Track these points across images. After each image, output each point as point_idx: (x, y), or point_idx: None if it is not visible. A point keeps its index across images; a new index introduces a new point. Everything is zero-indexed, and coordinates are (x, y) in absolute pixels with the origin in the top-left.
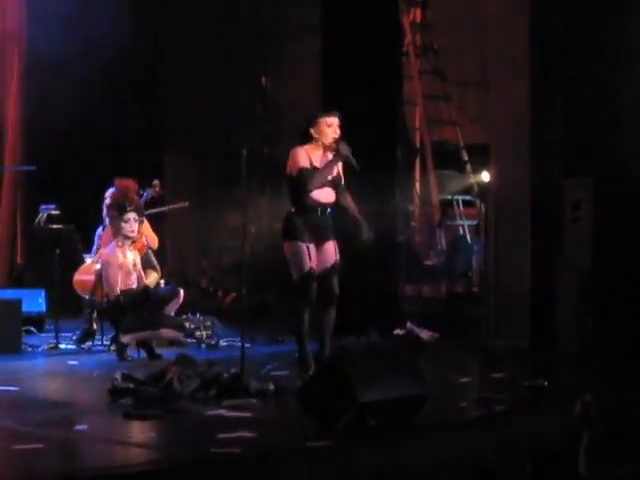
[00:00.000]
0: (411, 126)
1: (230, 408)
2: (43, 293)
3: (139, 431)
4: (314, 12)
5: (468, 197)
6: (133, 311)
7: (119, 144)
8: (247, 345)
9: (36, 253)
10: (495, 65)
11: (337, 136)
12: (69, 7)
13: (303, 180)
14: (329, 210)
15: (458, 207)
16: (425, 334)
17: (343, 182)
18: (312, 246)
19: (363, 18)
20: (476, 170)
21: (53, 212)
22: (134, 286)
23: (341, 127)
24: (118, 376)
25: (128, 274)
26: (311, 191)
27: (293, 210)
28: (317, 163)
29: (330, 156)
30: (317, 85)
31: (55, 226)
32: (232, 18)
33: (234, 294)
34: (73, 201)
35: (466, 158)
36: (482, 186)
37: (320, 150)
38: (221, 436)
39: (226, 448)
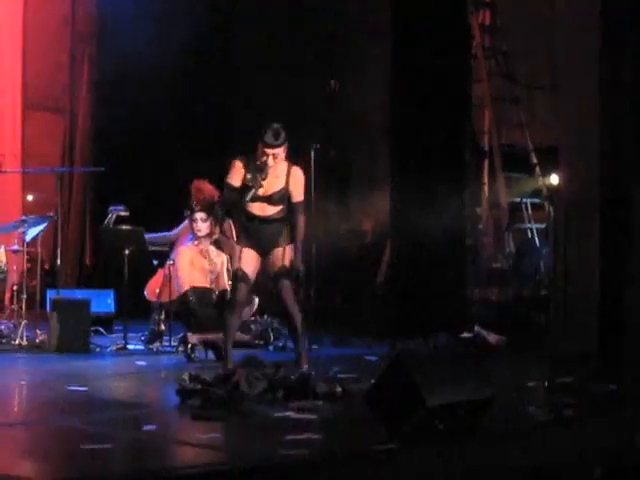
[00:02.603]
0: (480, 129)
1: (297, 410)
2: (112, 294)
3: (206, 432)
4: (383, 13)
5: (537, 200)
6: (202, 311)
7: (188, 145)
8: (314, 347)
9: (105, 254)
10: (564, 66)
11: (274, 164)
12: (139, 8)
13: (225, 196)
14: (271, 220)
15: (527, 210)
16: (492, 338)
17: (297, 200)
18: (247, 250)
19: (432, 20)
20: (545, 173)
21: (122, 213)
22: (209, 286)
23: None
24: (186, 377)
25: (202, 273)
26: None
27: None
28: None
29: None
30: (385, 87)
31: (124, 227)
32: (301, 19)
33: (301, 297)
34: (142, 202)
35: (535, 161)
36: (551, 189)
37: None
38: (288, 438)
39: (293, 450)
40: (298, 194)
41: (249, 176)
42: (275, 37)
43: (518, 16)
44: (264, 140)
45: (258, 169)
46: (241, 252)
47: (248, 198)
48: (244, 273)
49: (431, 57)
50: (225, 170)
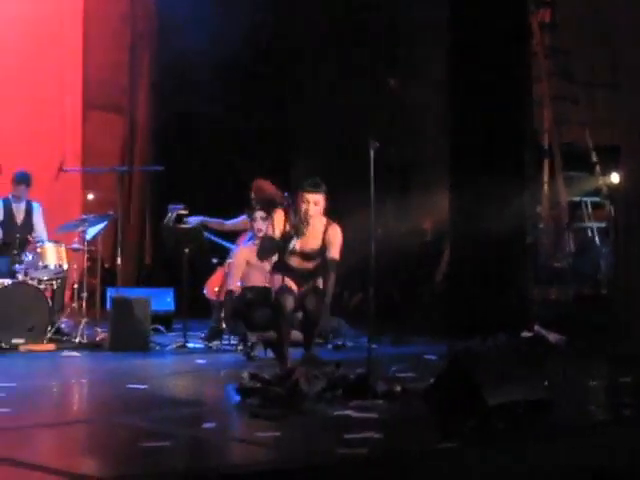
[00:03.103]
0: (540, 128)
1: (356, 409)
2: (172, 292)
3: (265, 430)
4: (442, 12)
5: (597, 199)
6: (261, 310)
7: (247, 144)
8: (373, 346)
9: (165, 252)
10: (625, 65)
11: (311, 215)
12: (198, 6)
13: (263, 247)
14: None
15: (587, 209)
16: (553, 337)
17: (331, 256)
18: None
19: (491, 18)
20: (605, 172)
21: (182, 212)
22: (267, 285)
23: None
24: (245, 375)
25: (261, 272)
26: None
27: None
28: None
29: None
30: (444, 86)
31: (184, 226)
32: (360, 17)
33: (360, 295)
34: (202, 201)
35: (595, 159)
36: (611, 188)
37: (288, 218)
38: (348, 436)
39: (353, 449)
40: (334, 251)
41: (293, 223)
42: (334, 35)
43: (578, 14)
44: (303, 186)
45: (300, 220)
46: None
47: (291, 247)
48: (287, 287)
49: (491, 56)
50: (285, 172)
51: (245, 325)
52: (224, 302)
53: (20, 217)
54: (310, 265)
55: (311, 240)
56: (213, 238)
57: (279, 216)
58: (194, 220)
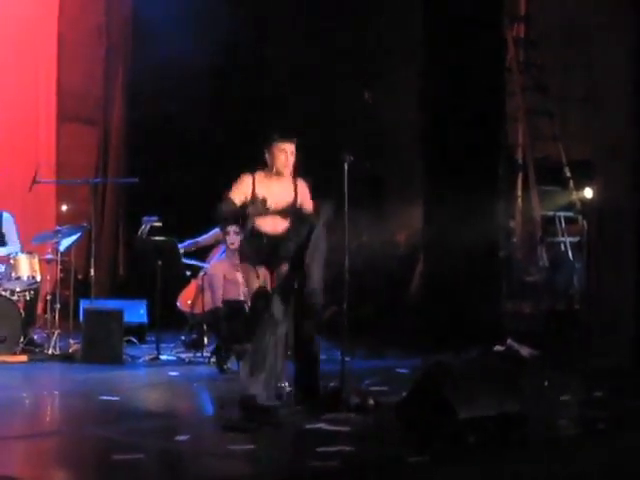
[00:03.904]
0: (514, 142)
1: (329, 422)
2: (145, 304)
3: (238, 443)
4: (417, 27)
5: (570, 214)
6: (234, 323)
7: (222, 157)
8: (347, 359)
9: (138, 264)
10: (598, 80)
11: (289, 164)
12: (173, 20)
13: (221, 210)
14: (278, 238)
15: (560, 224)
16: (525, 351)
17: (309, 210)
18: (261, 269)
19: (466, 33)
20: (579, 186)
21: (155, 224)
22: (241, 299)
23: (296, 154)
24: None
25: (235, 285)
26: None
27: (244, 235)
28: (264, 190)
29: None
30: (419, 99)
31: (157, 238)
32: (334, 30)
33: (334, 308)
34: (175, 213)
35: (569, 174)
36: (585, 203)
37: (272, 178)
38: (320, 449)
39: (325, 461)
40: (309, 204)
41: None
42: (308, 48)
43: (552, 30)
44: (276, 139)
45: (277, 171)
46: (256, 270)
47: (263, 209)
48: (265, 290)
49: (465, 70)
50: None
51: (220, 338)
52: (210, 319)
53: None
54: (283, 227)
55: (285, 194)
56: (185, 261)
57: (246, 181)
58: (186, 245)
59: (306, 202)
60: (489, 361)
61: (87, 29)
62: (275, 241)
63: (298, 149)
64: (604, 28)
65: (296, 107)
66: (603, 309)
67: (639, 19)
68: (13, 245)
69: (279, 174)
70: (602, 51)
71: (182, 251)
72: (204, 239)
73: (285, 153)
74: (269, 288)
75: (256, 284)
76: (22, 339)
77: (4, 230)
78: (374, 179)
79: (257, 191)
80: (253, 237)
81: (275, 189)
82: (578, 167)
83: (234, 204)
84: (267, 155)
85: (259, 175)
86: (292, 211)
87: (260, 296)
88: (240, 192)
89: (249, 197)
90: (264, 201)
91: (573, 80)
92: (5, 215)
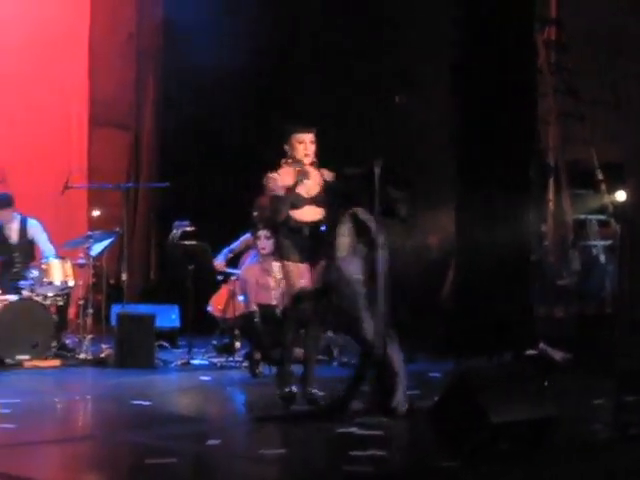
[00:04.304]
0: (545, 145)
1: (362, 426)
2: (177, 309)
3: (270, 447)
4: (448, 30)
5: (602, 217)
6: (266, 329)
7: (253, 160)
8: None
9: (170, 269)
10: (629, 82)
11: (309, 154)
12: (204, 23)
13: (274, 208)
14: (318, 228)
15: (592, 227)
16: (557, 355)
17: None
18: (302, 266)
19: (498, 37)
20: (611, 189)
21: (187, 228)
22: (273, 303)
23: (316, 143)
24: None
25: (267, 290)
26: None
27: (282, 232)
28: (290, 182)
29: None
30: (450, 103)
31: (189, 242)
32: (365, 34)
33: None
34: (208, 217)
35: (601, 177)
36: (617, 206)
37: (296, 169)
38: (352, 454)
39: (358, 466)
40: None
41: (297, 168)
42: (339, 50)
43: (584, 32)
44: (295, 130)
45: (299, 171)
46: (296, 269)
47: (300, 197)
48: (304, 292)
49: (496, 74)
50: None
51: (252, 343)
52: (242, 324)
53: (14, 237)
54: (320, 215)
55: (313, 182)
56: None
57: (275, 178)
58: (225, 255)
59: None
60: (522, 365)
61: (118, 35)
62: (315, 231)
63: (317, 138)
64: (635, 31)
65: (327, 110)
66: (635, 312)
67: None
68: (48, 251)
69: (301, 164)
70: (633, 54)
71: (224, 262)
72: (237, 246)
73: (304, 143)
74: (310, 287)
75: (298, 283)
76: (54, 344)
77: (30, 237)
78: (405, 183)
79: (287, 185)
80: (292, 231)
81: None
82: (610, 170)
83: (267, 208)
84: (287, 147)
85: (283, 170)
86: (322, 200)
87: (303, 297)
88: (278, 188)
89: (282, 192)
90: (297, 193)
91: (604, 83)
92: (30, 221)
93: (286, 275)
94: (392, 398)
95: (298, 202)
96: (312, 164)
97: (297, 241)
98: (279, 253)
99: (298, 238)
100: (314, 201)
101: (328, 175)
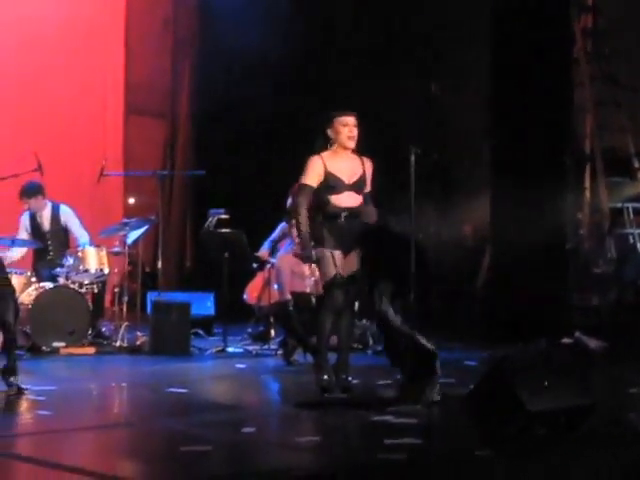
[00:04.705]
0: (581, 133)
1: (396, 414)
2: (212, 296)
3: (305, 435)
4: (485, 19)
5: (639, 205)
6: (301, 316)
7: (289, 149)
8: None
9: (205, 257)
10: None
11: (353, 136)
12: (240, 10)
13: (301, 195)
14: (355, 215)
15: (628, 215)
16: (593, 343)
17: (369, 189)
18: (338, 253)
19: (534, 25)
20: None
21: (222, 216)
22: (308, 291)
23: (358, 127)
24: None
25: (302, 278)
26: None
27: (319, 218)
28: (335, 167)
29: (354, 163)
30: (486, 91)
31: (224, 230)
32: (401, 23)
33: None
34: (243, 205)
35: (637, 165)
36: None
37: (339, 154)
38: (387, 442)
39: (392, 454)
40: (370, 183)
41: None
42: (375, 40)
43: (621, 19)
44: (339, 114)
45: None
46: (333, 256)
47: (340, 186)
48: (342, 278)
49: (532, 61)
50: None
51: (287, 330)
52: (277, 312)
53: (46, 224)
54: (359, 201)
55: (355, 168)
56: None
57: (316, 161)
58: (268, 247)
59: (369, 181)
60: (558, 354)
61: (154, 22)
62: (352, 217)
63: (360, 124)
64: None
65: (363, 97)
66: None
67: None
68: (82, 237)
69: (345, 148)
70: None
71: (267, 252)
72: (276, 236)
73: (348, 126)
74: (344, 275)
75: (333, 270)
76: (90, 331)
77: (63, 223)
78: (441, 171)
79: (329, 169)
80: (329, 218)
81: (344, 164)
82: None
83: (311, 189)
84: (330, 132)
85: (326, 154)
86: (361, 186)
87: (338, 284)
88: (315, 174)
89: (322, 177)
90: (338, 177)
91: None
92: (62, 208)
93: (321, 262)
94: (426, 387)
95: (338, 187)
96: (354, 147)
97: (333, 228)
98: (314, 240)
99: (334, 225)
100: (353, 188)
101: (369, 164)
